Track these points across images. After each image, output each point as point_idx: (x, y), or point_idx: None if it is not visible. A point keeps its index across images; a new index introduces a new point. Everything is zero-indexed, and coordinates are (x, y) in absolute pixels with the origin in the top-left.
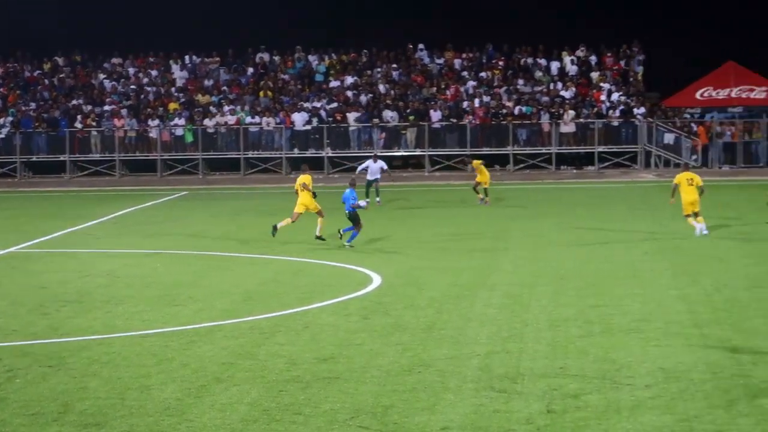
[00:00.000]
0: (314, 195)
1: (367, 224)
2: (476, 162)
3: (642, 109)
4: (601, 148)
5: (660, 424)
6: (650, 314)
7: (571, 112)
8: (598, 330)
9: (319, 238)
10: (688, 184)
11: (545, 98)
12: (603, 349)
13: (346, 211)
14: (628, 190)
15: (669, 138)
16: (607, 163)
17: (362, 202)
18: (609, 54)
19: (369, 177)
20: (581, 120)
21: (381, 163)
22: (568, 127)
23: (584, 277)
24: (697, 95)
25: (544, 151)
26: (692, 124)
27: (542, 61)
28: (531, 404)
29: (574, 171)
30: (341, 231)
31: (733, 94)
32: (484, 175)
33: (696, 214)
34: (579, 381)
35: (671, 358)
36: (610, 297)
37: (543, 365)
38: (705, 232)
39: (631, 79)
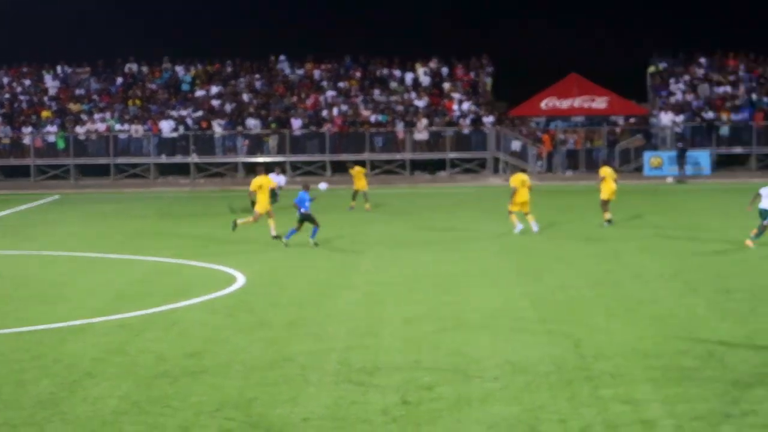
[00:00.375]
0: (274, 194)
1: (234, 227)
2: (357, 169)
3: (491, 118)
4: (452, 155)
5: (508, 414)
6: (499, 311)
7: (425, 121)
8: (450, 326)
9: (276, 237)
10: (522, 185)
11: (400, 107)
12: (455, 344)
13: (299, 213)
14: (478, 194)
15: (516, 145)
16: (457, 169)
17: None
18: (460, 66)
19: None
20: (434, 128)
21: (283, 176)
22: (421, 135)
23: (437, 276)
24: (542, 105)
25: (398, 157)
26: (538, 132)
27: (397, 72)
28: (387, 396)
29: (428, 176)
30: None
31: (575, 104)
32: (361, 181)
33: (525, 213)
34: (432, 374)
35: (518, 352)
36: (461, 295)
37: (398, 359)
38: (536, 229)
39: (481, 90)
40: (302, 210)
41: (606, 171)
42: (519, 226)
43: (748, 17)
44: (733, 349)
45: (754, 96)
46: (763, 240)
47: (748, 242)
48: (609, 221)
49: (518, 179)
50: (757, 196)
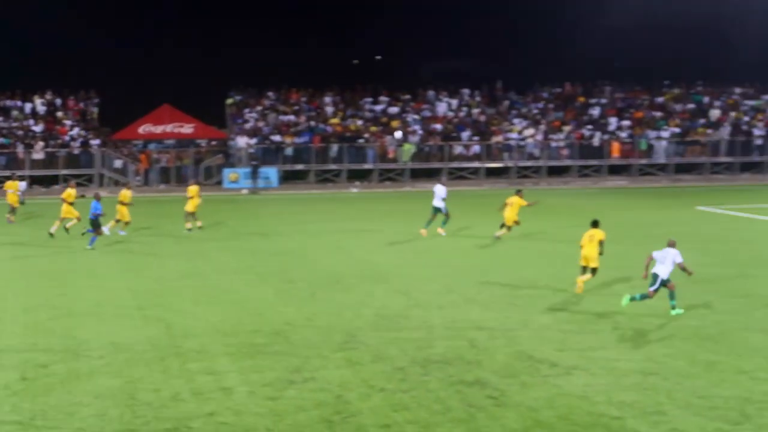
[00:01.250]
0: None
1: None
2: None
3: (97, 141)
4: (64, 171)
5: (111, 385)
6: (104, 301)
7: (41, 143)
8: (62, 314)
9: (66, 230)
10: (123, 198)
11: (20, 132)
12: (67, 329)
13: (90, 218)
14: (85, 204)
15: (118, 163)
16: (73, 181)
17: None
18: (72, 98)
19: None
20: (49, 149)
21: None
22: (38, 155)
23: (51, 272)
24: (140, 130)
25: (19, 173)
26: (136, 153)
27: (18, 103)
28: (8, 374)
29: (44, 189)
30: (86, 230)
31: (168, 129)
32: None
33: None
34: (47, 354)
35: (120, 334)
36: (73, 288)
37: (18, 342)
38: (108, 232)
39: (89, 117)
40: (92, 217)
41: (193, 190)
42: (105, 229)
43: (269, 59)
44: (296, 329)
45: (312, 123)
46: (326, 239)
47: (440, 230)
48: (190, 230)
49: (120, 194)
50: (652, 261)
